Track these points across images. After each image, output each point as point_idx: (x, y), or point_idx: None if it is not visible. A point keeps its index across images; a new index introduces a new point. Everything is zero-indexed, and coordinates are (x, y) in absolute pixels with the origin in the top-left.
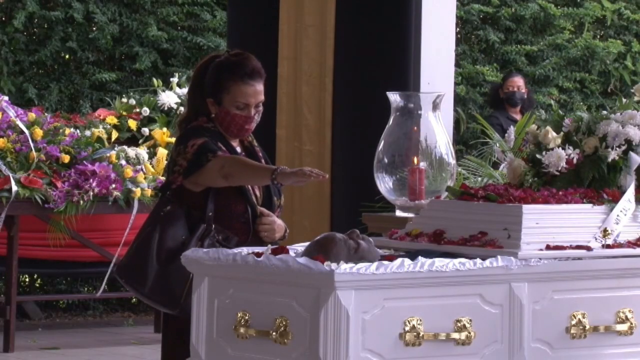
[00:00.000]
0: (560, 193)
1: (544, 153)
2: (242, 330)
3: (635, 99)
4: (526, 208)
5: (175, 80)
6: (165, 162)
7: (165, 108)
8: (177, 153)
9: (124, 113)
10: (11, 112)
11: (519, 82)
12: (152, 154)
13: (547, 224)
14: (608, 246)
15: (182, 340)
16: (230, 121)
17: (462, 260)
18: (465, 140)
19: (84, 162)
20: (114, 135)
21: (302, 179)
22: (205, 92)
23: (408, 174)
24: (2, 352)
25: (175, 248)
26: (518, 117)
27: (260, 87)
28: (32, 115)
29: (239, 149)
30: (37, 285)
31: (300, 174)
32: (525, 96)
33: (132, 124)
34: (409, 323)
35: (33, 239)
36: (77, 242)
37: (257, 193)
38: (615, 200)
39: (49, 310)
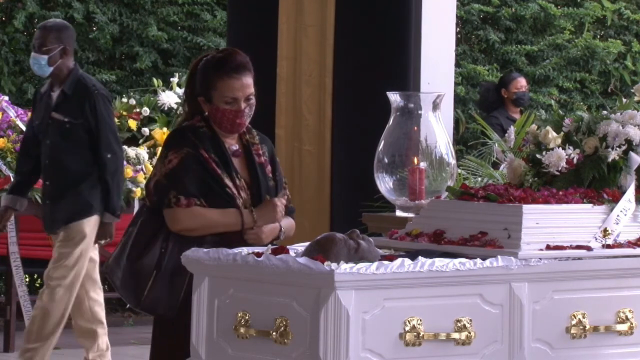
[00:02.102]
0: (561, 193)
1: (544, 153)
2: (242, 330)
3: (636, 99)
4: (526, 208)
5: (175, 80)
6: None
7: (166, 108)
8: (159, 158)
9: (124, 113)
10: (11, 112)
11: (524, 82)
12: (152, 154)
13: (547, 224)
14: (608, 246)
15: (171, 342)
16: (222, 117)
17: (462, 260)
18: (465, 140)
19: None
20: None
21: (275, 215)
22: (196, 91)
23: (408, 174)
24: (2, 352)
25: (145, 244)
26: (518, 116)
27: (247, 80)
28: None
29: (235, 147)
30: (37, 285)
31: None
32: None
33: (132, 124)
34: (409, 323)
35: (33, 239)
36: None
37: (243, 195)
38: (615, 200)
39: None
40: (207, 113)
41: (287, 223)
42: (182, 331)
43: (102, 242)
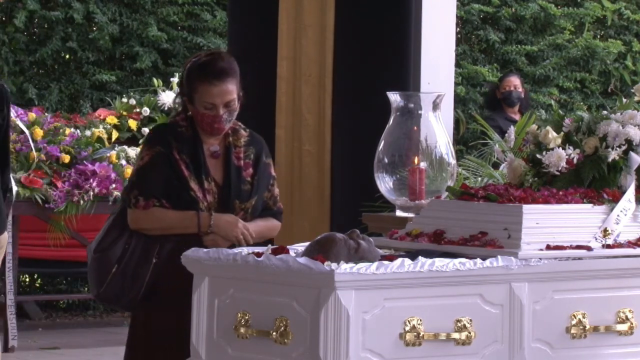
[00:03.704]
0: (561, 193)
1: (544, 153)
2: (242, 330)
3: (636, 99)
4: (526, 208)
5: (175, 80)
6: None
7: (166, 108)
8: (139, 151)
9: (124, 113)
10: (11, 112)
11: (515, 81)
12: None
13: (548, 224)
14: (608, 246)
15: (145, 345)
16: (201, 120)
17: (462, 260)
18: (466, 140)
19: (84, 162)
20: (114, 135)
21: (231, 234)
22: (183, 90)
23: (408, 174)
24: (2, 352)
25: (115, 236)
26: (516, 117)
27: (228, 86)
28: (32, 115)
29: (216, 148)
30: (37, 285)
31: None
32: (522, 95)
33: (132, 124)
34: (409, 323)
35: (33, 239)
36: (77, 242)
37: (209, 199)
38: (615, 200)
39: (49, 310)
40: (190, 113)
41: (260, 225)
42: (147, 329)
43: None
